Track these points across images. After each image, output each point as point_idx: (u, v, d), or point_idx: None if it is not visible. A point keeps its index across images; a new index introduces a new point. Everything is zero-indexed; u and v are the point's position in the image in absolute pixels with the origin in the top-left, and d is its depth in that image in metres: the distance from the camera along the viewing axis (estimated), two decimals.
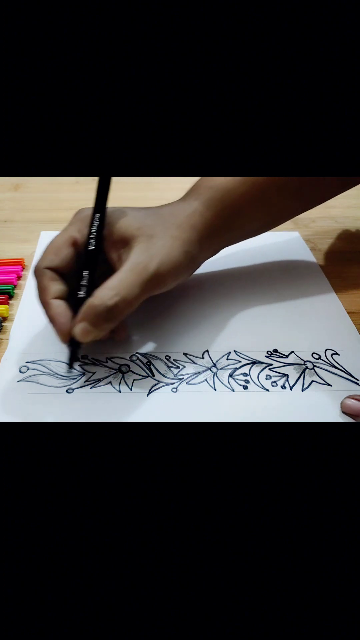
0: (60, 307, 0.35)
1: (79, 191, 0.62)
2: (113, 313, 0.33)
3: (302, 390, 0.36)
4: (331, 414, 0.35)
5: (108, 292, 0.33)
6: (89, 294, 0.34)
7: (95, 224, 0.36)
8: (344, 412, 0.34)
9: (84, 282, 0.35)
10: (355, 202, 0.61)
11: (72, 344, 0.35)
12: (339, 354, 0.39)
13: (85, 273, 0.35)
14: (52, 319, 0.35)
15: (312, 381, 0.37)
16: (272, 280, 0.48)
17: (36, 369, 0.37)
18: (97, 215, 0.36)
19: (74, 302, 0.35)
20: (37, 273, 0.36)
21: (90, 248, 0.36)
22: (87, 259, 0.36)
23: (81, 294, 0.35)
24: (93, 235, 0.36)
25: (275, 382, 0.37)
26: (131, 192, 0.65)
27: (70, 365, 0.36)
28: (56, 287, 0.35)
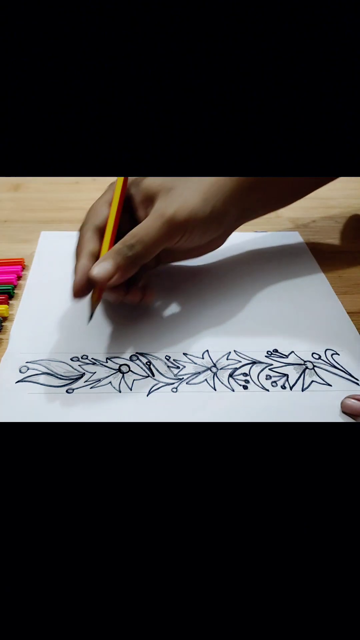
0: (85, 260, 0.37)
1: (79, 191, 0.62)
2: (134, 254, 0.35)
3: (302, 390, 0.36)
4: (331, 414, 0.34)
5: (129, 238, 0.36)
6: None
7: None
8: (344, 412, 0.34)
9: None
10: (356, 202, 0.61)
11: (90, 286, 0.36)
12: (339, 354, 0.39)
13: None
14: (76, 271, 0.37)
15: (312, 381, 0.37)
16: (272, 280, 0.47)
17: (36, 369, 0.37)
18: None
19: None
20: (80, 233, 0.39)
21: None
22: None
23: None
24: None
25: (275, 382, 0.37)
26: None
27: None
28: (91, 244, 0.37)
